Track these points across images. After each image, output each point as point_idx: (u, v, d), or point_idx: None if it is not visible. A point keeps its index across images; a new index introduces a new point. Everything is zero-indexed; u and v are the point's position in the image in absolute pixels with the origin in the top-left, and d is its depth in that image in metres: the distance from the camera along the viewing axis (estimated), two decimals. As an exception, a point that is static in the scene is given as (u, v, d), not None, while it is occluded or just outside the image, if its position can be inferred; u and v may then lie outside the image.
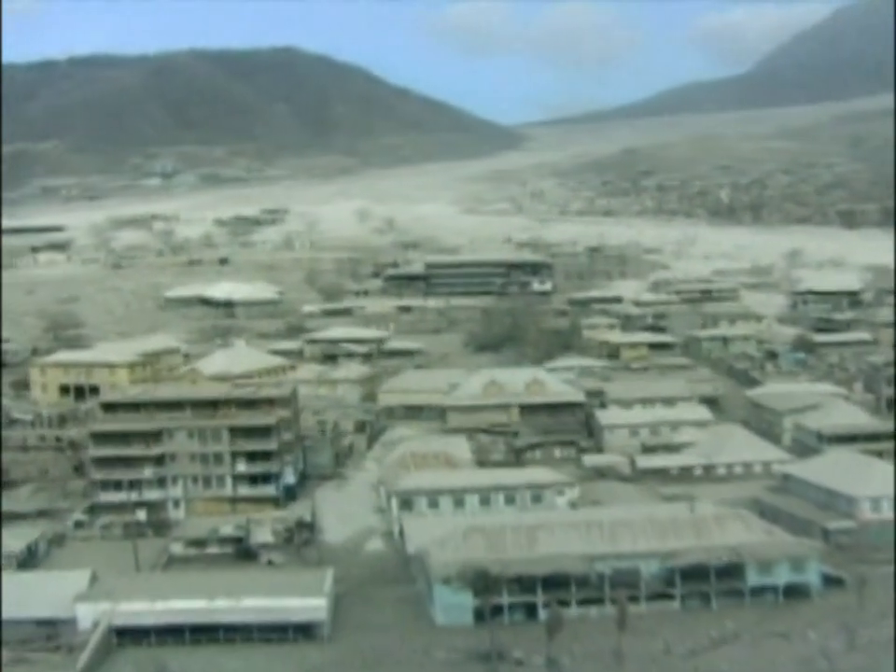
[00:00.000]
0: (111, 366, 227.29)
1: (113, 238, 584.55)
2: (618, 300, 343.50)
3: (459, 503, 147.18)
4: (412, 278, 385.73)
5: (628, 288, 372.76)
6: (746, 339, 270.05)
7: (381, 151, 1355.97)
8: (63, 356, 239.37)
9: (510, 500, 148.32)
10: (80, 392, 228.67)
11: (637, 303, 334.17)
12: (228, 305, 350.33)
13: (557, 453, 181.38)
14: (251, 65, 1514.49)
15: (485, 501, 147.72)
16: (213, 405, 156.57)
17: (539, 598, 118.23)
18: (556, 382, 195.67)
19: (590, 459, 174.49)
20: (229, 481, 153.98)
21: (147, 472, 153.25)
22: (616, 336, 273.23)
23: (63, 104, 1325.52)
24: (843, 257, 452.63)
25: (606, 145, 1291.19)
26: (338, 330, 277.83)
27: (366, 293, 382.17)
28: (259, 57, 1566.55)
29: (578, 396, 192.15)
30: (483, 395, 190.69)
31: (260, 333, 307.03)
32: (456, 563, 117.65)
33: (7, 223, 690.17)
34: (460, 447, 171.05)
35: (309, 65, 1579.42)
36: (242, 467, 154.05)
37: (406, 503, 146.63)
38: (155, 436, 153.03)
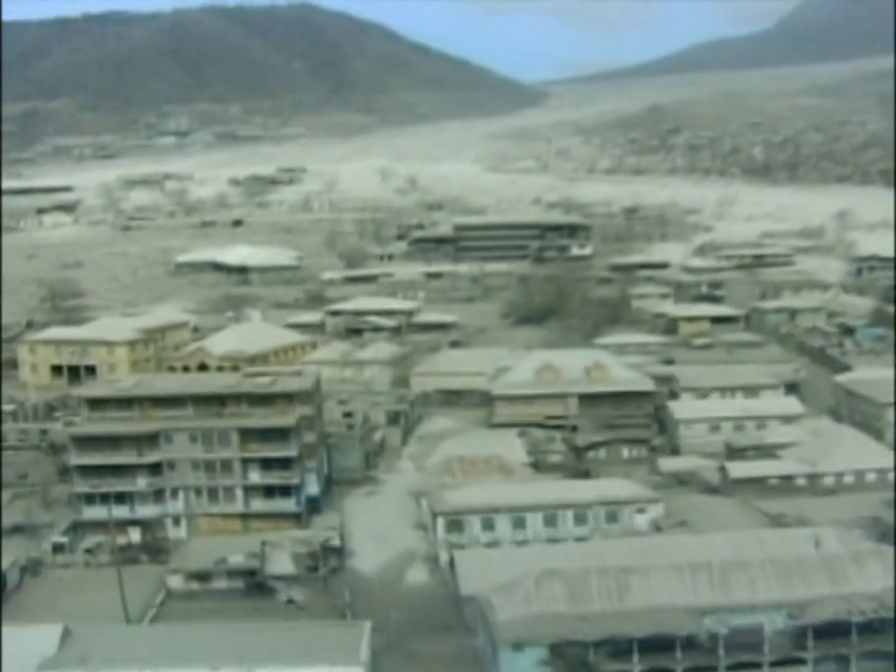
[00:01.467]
0: (109, 344, 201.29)
1: (123, 198, 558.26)
2: (664, 265, 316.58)
3: (519, 523, 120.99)
4: (439, 241, 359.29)
5: (671, 252, 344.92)
6: (815, 311, 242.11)
7: (399, 109, 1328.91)
8: (56, 332, 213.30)
9: (580, 519, 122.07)
10: (75, 373, 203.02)
11: (687, 270, 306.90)
12: (242, 271, 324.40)
13: (625, 453, 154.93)
14: (268, 22, 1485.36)
15: (550, 521, 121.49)
16: (220, 401, 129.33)
17: (636, 666, 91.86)
18: (620, 366, 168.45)
19: (667, 463, 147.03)
20: (239, 493, 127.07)
21: (141, 483, 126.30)
22: (673, 308, 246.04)
23: (76, 61, 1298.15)
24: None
25: (629, 102, 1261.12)
26: (362, 301, 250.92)
27: (390, 257, 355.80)
28: (275, 13, 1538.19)
29: (646, 383, 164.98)
30: (537, 381, 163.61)
31: (277, 303, 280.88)
32: (529, 620, 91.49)
33: (13, 183, 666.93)
34: (514, 448, 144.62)
35: (326, 21, 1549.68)
36: (255, 476, 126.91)
37: (455, 524, 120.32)
38: (150, 439, 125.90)
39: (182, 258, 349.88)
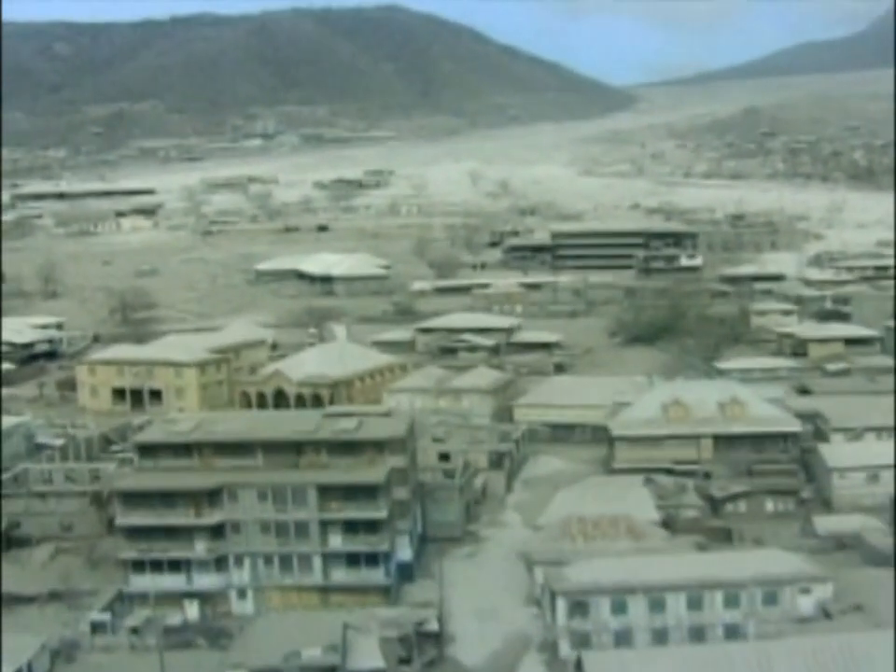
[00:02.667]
0: (177, 366, 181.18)
1: (205, 202, 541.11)
2: (780, 277, 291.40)
3: (657, 606, 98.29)
4: (536, 249, 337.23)
5: (784, 263, 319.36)
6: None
7: (488, 111, 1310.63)
8: (119, 350, 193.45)
9: (731, 602, 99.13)
10: (138, 398, 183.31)
11: (807, 283, 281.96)
12: (326, 281, 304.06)
13: (769, 506, 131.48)
14: (355, 24, 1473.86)
15: (695, 603, 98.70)
16: (295, 449, 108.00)
17: None
18: (759, 401, 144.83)
19: (823, 522, 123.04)
20: (317, 562, 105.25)
21: (200, 549, 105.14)
22: (801, 327, 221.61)
23: (163, 64, 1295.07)
24: None
25: (721, 105, 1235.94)
26: (456, 317, 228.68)
27: (483, 266, 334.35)
28: (363, 15, 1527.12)
29: (791, 422, 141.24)
30: (664, 420, 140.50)
31: (363, 316, 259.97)
32: None
33: (95, 186, 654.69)
34: (641, 502, 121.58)
35: (414, 24, 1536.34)
36: (336, 542, 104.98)
37: (579, 606, 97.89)
38: (211, 495, 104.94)
39: (263, 265, 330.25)
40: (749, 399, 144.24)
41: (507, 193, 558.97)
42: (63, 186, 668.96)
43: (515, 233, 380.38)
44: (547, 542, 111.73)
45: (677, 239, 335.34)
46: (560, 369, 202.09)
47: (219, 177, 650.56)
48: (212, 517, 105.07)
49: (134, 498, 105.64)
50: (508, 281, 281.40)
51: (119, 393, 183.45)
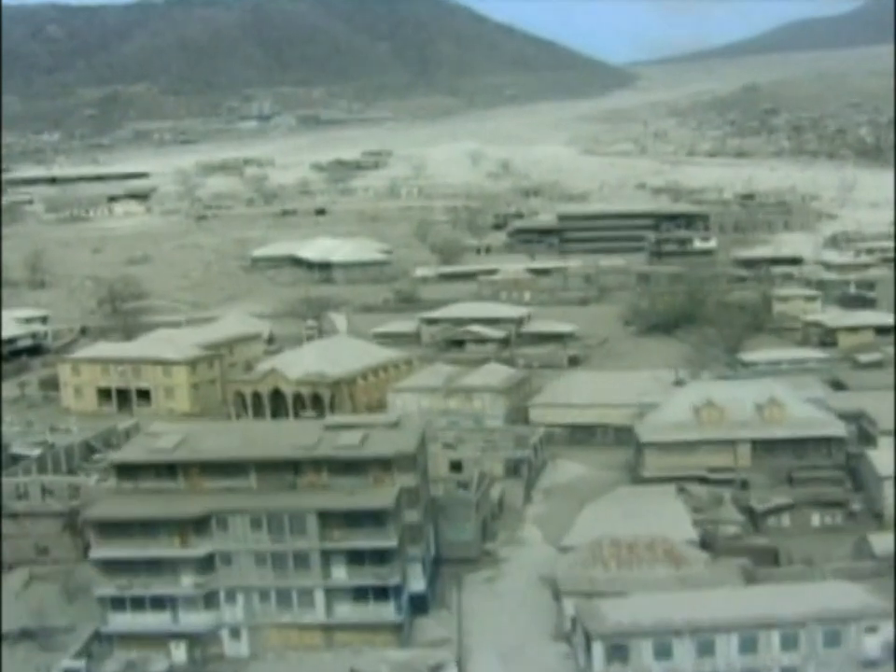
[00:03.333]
0: (166, 364, 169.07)
1: (200, 185, 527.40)
2: (797, 260, 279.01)
3: (706, 649, 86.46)
4: (543, 232, 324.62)
5: (799, 244, 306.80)
6: None
7: (486, 91, 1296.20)
8: (104, 348, 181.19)
9: (788, 643, 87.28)
10: (125, 398, 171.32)
11: (826, 266, 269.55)
12: (324, 267, 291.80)
13: (815, 519, 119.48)
14: (351, 4, 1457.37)
15: (749, 645, 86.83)
16: (293, 468, 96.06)
17: None
18: (799, 402, 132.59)
19: (881, 541, 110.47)
20: (320, 597, 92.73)
21: (187, 583, 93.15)
22: (828, 315, 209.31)
23: (157, 45, 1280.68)
24: None
25: (721, 83, 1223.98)
26: (463, 307, 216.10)
27: (488, 250, 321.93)
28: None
29: (836, 425, 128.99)
30: (696, 423, 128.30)
31: (364, 305, 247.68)
32: None
33: (88, 170, 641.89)
34: (679, 520, 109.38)
35: (410, 3, 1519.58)
36: (341, 574, 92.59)
37: (618, 650, 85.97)
38: (199, 523, 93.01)
39: (259, 251, 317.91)
40: (788, 399, 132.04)
41: (508, 174, 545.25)
42: (56, 170, 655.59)
43: (520, 215, 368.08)
44: (576, 568, 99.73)
45: (688, 220, 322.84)
46: (574, 361, 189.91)
47: (214, 160, 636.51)
48: (200, 548, 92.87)
49: (111, 528, 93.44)
50: (515, 266, 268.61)
51: (104, 393, 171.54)
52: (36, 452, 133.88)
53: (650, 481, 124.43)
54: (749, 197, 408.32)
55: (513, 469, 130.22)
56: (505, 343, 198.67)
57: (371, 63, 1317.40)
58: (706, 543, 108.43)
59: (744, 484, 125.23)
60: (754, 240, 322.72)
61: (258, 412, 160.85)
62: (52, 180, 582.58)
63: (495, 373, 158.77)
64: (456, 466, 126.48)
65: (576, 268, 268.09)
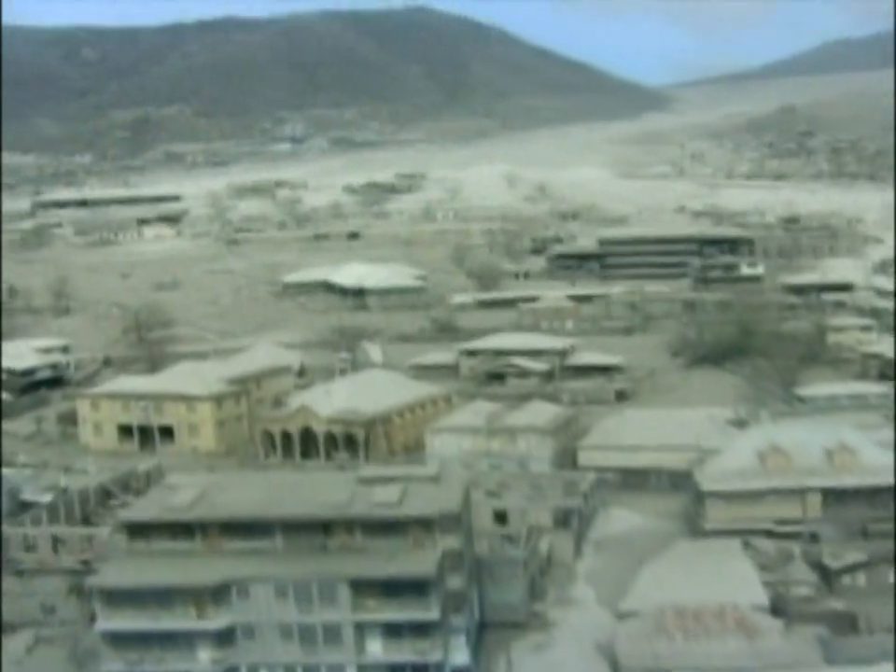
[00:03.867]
0: (189, 399, 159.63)
1: (231, 208, 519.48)
2: (848, 286, 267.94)
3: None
4: (582, 257, 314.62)
5: (848, 270, 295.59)
6: None
7: (520, 113, 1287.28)
8: (126, 381, 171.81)
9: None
10: (148, 436, 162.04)
11: (879, 293, 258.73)
12: (358, 293, 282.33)
13: (891, 578, 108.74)
14: (383, 26, 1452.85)
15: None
16: (323, 528, 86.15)
17: None
18: (871, 447, 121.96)
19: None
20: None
21: (204, 658, 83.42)
22: (886, 345, 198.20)
23: (190, 67, 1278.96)
24: None
25: (756, 104, 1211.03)
26: (504, 338, 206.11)
27: (526, 276, 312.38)
28: (391, 17, 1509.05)
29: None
30: (761, 470, 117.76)
31: (400, 334, 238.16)
32: None
33: (119, 192, 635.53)
34: (748, 582, 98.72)
35: (444, 25, 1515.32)
36: (376, 649, 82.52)
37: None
38: (217, 592, 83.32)
39: (290, 277, 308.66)
40: (858, 443, 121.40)
41: (545, 197, 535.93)
42: (87, 192, 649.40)
43: (559, 240, 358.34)
44: (637, 639, 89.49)
45: (732, 245, 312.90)
46: (622, 396, 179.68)
47: (246, 183, 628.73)
48: (218, 619, 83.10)
49: (120, 596, 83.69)
50: (556, 293, 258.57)
51: (125, 430, 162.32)
52: (48, 497, 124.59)
53: (711, 534, 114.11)
54: (792, 220, 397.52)
55: (563, 518, 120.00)
56: (548, 376, 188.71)
57: (404, 85, 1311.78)
58: (777, 608, 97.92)
59: (814, 538, 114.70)
60: (800, 266, 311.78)
61: (287, 452, 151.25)
62: (83, 203, 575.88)
63: (540, 412, 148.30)
64: (501, 516, 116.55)
65: (619, 295, 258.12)
